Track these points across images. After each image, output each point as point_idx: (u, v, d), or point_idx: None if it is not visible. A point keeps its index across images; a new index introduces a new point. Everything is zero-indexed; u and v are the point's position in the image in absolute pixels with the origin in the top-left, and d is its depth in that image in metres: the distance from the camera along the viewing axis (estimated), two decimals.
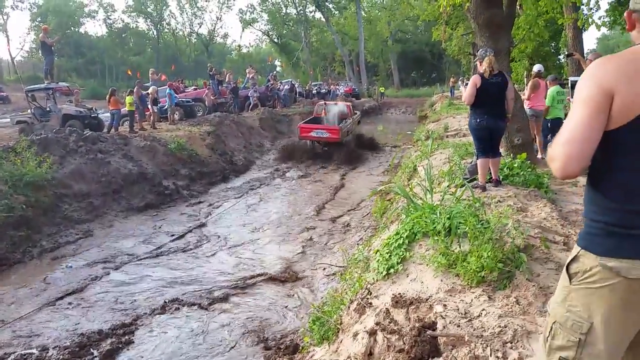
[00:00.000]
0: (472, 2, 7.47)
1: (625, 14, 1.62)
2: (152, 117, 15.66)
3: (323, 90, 34.32)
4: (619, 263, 1.42)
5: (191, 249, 8.01)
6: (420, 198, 5.18)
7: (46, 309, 6.00)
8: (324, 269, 6.66)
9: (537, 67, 8.95)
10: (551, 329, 1.56)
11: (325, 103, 19.54)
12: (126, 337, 5.25)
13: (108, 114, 15.32)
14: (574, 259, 1.54)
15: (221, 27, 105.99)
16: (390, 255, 4.10)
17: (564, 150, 1.46)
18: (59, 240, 8.27)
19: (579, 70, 12.84)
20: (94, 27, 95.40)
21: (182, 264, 7.39)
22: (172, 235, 8.71)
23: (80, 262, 7.53)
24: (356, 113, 20.41)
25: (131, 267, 7.30)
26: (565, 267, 1.57)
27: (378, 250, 4.39)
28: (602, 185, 1.52)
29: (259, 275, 6.77)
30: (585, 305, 1.48)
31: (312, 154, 16.01)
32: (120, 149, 11.61)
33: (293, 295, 6.12)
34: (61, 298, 6.26)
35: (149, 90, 15.89)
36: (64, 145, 10.51)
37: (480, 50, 5.83)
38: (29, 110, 14.98)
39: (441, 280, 3.53)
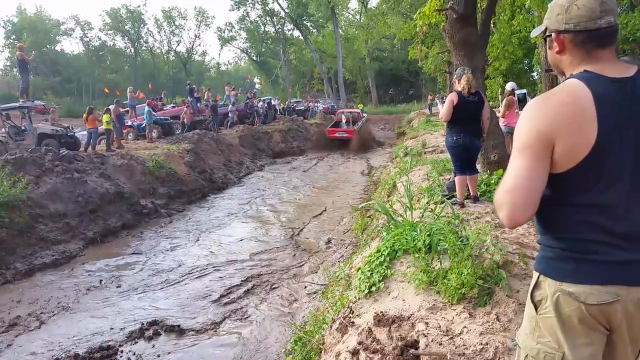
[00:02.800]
0: (447, 21, 7.65)
1: (553, 36, 1.50)
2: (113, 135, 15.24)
3: (302, 108, 34.54)
4: (578, 288, 1.40)
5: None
6: (400, 215, 5.22)
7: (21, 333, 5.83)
8: (305, 287, 6.63)
9: (510, 85, 9.17)
10: None
11: (342, 111, 27.13)
12: None
13: (85, 133, 15.11)
14: (536, 285, 1.51)
15: (199, 44, 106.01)
16: (371, 273, 4.10)
17: (509, 199, 1.41)
18: (34, 262, 8.07)
19: (552, 87, 13.16)
20: (70, 45, 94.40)
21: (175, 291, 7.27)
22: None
23: (56, 284, 7.36)
24: (364, 116, 28.02)
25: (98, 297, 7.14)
26: (529, 296, 1.54)
27: (359, 268, 4.39)
28: (551, 218, 1.48)
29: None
30: (553, 335, 1.45)
31: (336, 145, 22.72)
32: (97, 168, 11.44)
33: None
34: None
35: (112, 108, 15.57)
36: (39, 164, 10.30)
37: (459, 68, 5.96)
38: (3, 130, 14.67)
39: (423, 298, 3.55)
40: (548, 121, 1.38)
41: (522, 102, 9.01)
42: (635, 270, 1.39)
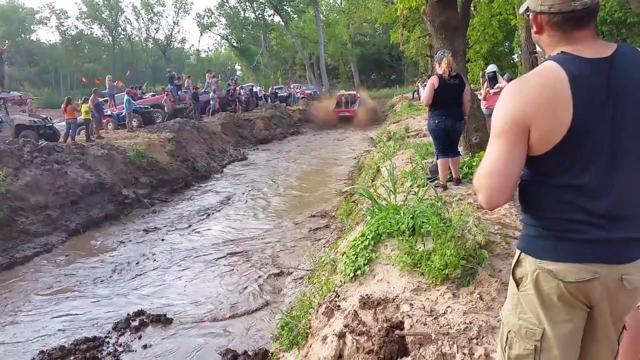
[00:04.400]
0: (427, 5, 7.62)
1: (530, 17, 1.51)
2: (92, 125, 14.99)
3: (284, 94, 34.35)
4: (557, 266, 1.42)
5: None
6: (384, 199, 5.25)
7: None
8: (291, 272, 6.65)
9: (490, 68, 9.21)
10: (507, 339, 1.55)
11: (342, 94, 31.31)
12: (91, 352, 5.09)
13: (64, 123, 14.85)
14: (517, 263, 1.53)
15: (178, 31, 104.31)
16: (356, 257, 4.13)
17: (486, 183, 1.44)
18: (15, 256, 7.96)
19: (532, 69, 13.27)
20: (46, 35, 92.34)
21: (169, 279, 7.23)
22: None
23: (37, 275, 7.27)
24: (359, 97, 31.83)
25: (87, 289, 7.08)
26: (511, 273, 1.56)
27: (344, 253, 4.41)
28: (532, 198, 1.50)
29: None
30: (534, 312, 1.48)
31: (340, 121, 27.49)
32: (77, 159, 11.26)
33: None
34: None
35: (90, 98, 15.29)
36: (18, 156, 10.10)
37: (439, 52, 5.96)
38: None
39: (407, 280, 3.59)
40: (522, 106, 1.38)
41: (492, 80, 9.04)
42: (615, 249, 1.41)
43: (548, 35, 1.47)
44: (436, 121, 5.67)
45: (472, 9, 16.13)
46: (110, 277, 7.24)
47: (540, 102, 1.36)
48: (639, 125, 1.39)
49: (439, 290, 3.36)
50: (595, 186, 1.40)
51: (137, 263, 7.75)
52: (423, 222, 4.10)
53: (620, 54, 1.40)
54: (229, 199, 11.81)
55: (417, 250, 3.80)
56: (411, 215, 4.25)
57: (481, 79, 14.48)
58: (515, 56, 25.74)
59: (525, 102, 1.38)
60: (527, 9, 1.51)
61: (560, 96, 1.35)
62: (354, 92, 33.98)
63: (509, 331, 1.55)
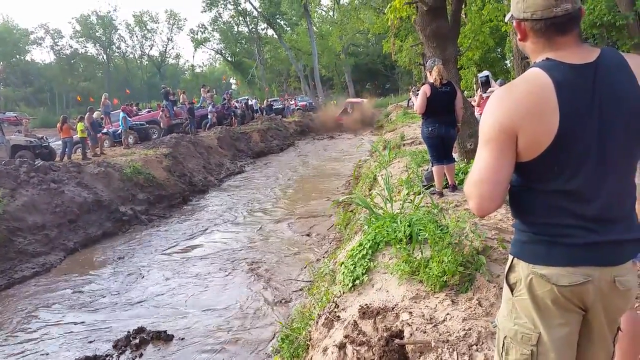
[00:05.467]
0: (418, 14, 7.70)
1: (514, 24, 1.52)
2: (99, 143, 15.31)
3: (279, 106, 34.50)
4: (550, 270, 1.42)
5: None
6: (381, 208, 5.26)
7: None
8: (291, 284, 6.64)
9: (483, 73, 9.26)
10: (503, 344, 1.55)
11: (350, 102, 34.39)
12: None
13: (60, 142, 14.90)
14: (510, 268, 1.53)
15: (173, 48, 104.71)
16: (355, 267, 4.13)
17: (476, 191, 1.46)
18: (14, 276, 7.93)
19: None
20: (41, 55, 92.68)
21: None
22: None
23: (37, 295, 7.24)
24: (362, 102, 34.09)
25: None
26: (505, 278, 1.56)
27: (343, 263, 4.41)
28: (522, 203, 1.51)
29: None
30: (529, 316, 1.48)
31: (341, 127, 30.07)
32: (74, 177, 11.27)
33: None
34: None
35: (94, 115, 15.54)
36: (14, 177, 10.10)
37: (429, 60, 6.02)
38: None
39: (406, 288, 3.58)
40: (509, 113, 1.39)
41: (485, 85, 9.11)
42: (606, 251, 1.41)
43: (532, 42, 1.48)
44: (430, 129, 5.70)
45: (463, 16, 16.33)
46: (110, 294, 7.21)
47: (526, 108, 1.37)
48: (625, 128, 1.40)
49: (437, 297, 3.36)
50: (585, 190, 1.41)
51: (136, 280, 7.72)
52: (420, 229, 4.11)
53: (604, 59, 1.41)
54: (227, 213, 11.81)
55: (415, 258, 3.80)
56: (408, 223, 4.26)
57: (474, 86, 14.57)
58: (507, 62, 25.91)
59: (512, 108, 1.39)
60: (512, 17, 1.52)
61: (546, 102, 1.36)
62: (361, 100, 36.08)
63: (505, 337, 1.55)
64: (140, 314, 6.45)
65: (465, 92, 16.95)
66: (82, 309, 6.80)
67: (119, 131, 17.24)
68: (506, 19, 1.64)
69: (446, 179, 5.94)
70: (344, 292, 3.94)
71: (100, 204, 10.83)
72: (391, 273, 3.81)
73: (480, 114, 8.77)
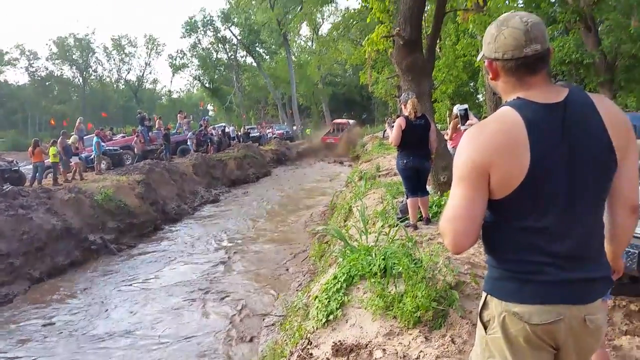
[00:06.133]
0: (394, 48, 7.86)
1: (486, 63, 1.55)
2: (76, 168, 14.99)
3: (257, 134, 34.53)
4: (522, 308, 1.42)
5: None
6: (356, 239, 5.24)
7: None
8: (264, 318, 6.50)
9: (462, 106, 9.47)
10: None
11: (335, 122, 36.62)
12: None
13: (31, 167, 14.53)
14: (484, 305, 1.53)
15: (150, 72, 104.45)
16: (329, 301, 4.07)
17: (451, 227, 1.46)
18: None
19: (497, 109, 13.72)
20: (14, 76, 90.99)
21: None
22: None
23: None
24: (349, 124, 36.32)
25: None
26: (478, 316, 1.56)
27: (317, 297, 4.35)
28: (495, 240, 1.52)
29: None
30: (501, 355, 1.47)
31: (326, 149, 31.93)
32: (44, 204, 10.93)
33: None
34: None
35: (70, 141, 15.29)
36: None
37: (404, 94, 6.12)
38: None
39: (380, 324, 3.54)
40: (481, 151, 1.41)
41: (463, 118, 9.34)
42: (577, 289, 1.42)
43: (503, 81, 1.51)
44: (404, 161, 5.76)
45: (438, 50, 16.78)
46: (75, 327, 6.93)
47: (498, 146, 1.39)
48: (594, 167, 1.42)
49: (411, 334, 3.32)
50: (556, 228, 1.42)
51: (102, 312, 7.46)
52: (394, 263, 4.09)
53: (572, 99, 1.44)
54: (198, 242, 11.60)
55: (389, 292, 3.77)
56: (383, 257, 4.24)
57: (448, 119, 14.87)
58: (480, 96, 26.62)
59: (484, 146, 1.41)
60: (484, 56, 1.56)
61: (517, 140, 1.38)
62: (347, 120, 38.02)
63: None
64: (106, 349, 6.20)
65: (439, 125, 17.30)
66: (44, 342, 6.51)
67: (92, 156, 16.94)
68: (478, 58, 1.67)
69: (420, 212, 5.97)
70: (317, 328, 3.86)
71: (69, 232, 10.51)
72: (365, 308, 3.77)
73: (453, 147, 8.94)
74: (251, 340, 6.00)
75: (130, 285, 8.70)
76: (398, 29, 7.48)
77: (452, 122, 9.09)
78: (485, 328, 1.52)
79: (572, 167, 1.41)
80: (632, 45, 16.54)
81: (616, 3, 17.12)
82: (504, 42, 1.45)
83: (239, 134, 31.76)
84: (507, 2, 12.10)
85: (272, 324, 6.09)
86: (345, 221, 8.59)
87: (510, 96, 1.49)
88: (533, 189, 1.40)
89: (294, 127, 46.28)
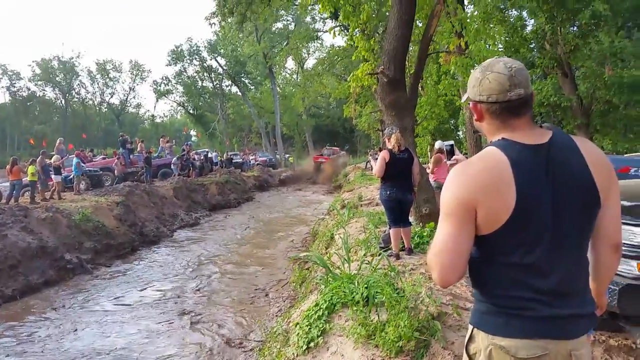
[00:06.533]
0: (378, 84, 8.06)
1: (471, 105, 1.60)
2: (56, 188, 14.78)
3: (239, 160, 34.58)
4: (509, 342, 1.45)
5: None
6: (338, 267, 5.26)
7: None
8: (241, 343, 6.39)
9: (438, 144, 9.70)
10: None
11: (326, 148, 41.52)
12: None
13: (8, 184, 14.27)
14: (470, 338, 1.56)
15: (134, 97, 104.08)
16: (310, 328, 4.06)
17: (438, 261, 1.50)
18: None
19: (477, 147, 14.07)
20: None
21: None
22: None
23: None
24: (339, 152, 41.43)
25: None
26: (465, 349, 1.58)
27: (298, 323, 4.33)
28: (482, 275, 1.54)
29: None
30: None
31: (316, 172, 35.05)
32: (20, 221, 10.69)
33: None
34: None
35: (52, 160, 15.15)
36: None
37: (388, 128, 6.28)
38: None
39: (361, 353, 3.53)
40: (466, 189, 1.46)
41: (449, 153, 9.63)
42: (562, 325, 1.46)
43: (488, 123, 1.56)
44: (388, 192, 5.87)
45: (420, 89, 17.21)
46: (46, 348, 6.71)
47: (483, 184, 1.43)
48: (578, 206, 1.48)
49: None
50: (542, 265, 1.46)
51: (74, 332, 7.24)
52: (377, 292, 4.12)
53: (556, 140, 1.50)
54: (175, 265, 11.40)
55: (372, 321, 3.77)
56: (365, 285, 4.26)
57: (429, 153, 15.14)
58: (460, 133, 27.23)
59: (468, 183, 1.45)
60: (468, 98, 1.62)
61: (502, 179, 1.43)
62: (337, 148, 43.36)
63: None
64: None
65: (421, 159, 17.58)
66: None
67: (71, 176, 16.72)
68: (462, 100, 1.74)
69: (402, 242, 6.04)
70: (297, 355, 3.84)
71: (44, 251, 10.26)
72: (347, 336, 3.76)
73: (435, 180, 9.08)
74: None
75: (103, 305, 8.48)
76: (382, 67, 7.68)
77: (433, 157, 9.29)
78: None
79: (557, 206, 1.45)
80: (607, 92, 17.23)
81: (590, 52, 17.89)
82: (489, 86, 1.51)
83: (222, 159, 31.73)
84: (488, 46, 12.54)
85: (251, 349, 6.00)
86: (326, 248, 8.60)
87: (495, 137, 1.55)
88: (519, 226, 1.44)
89: (277, 155, 46.43)
